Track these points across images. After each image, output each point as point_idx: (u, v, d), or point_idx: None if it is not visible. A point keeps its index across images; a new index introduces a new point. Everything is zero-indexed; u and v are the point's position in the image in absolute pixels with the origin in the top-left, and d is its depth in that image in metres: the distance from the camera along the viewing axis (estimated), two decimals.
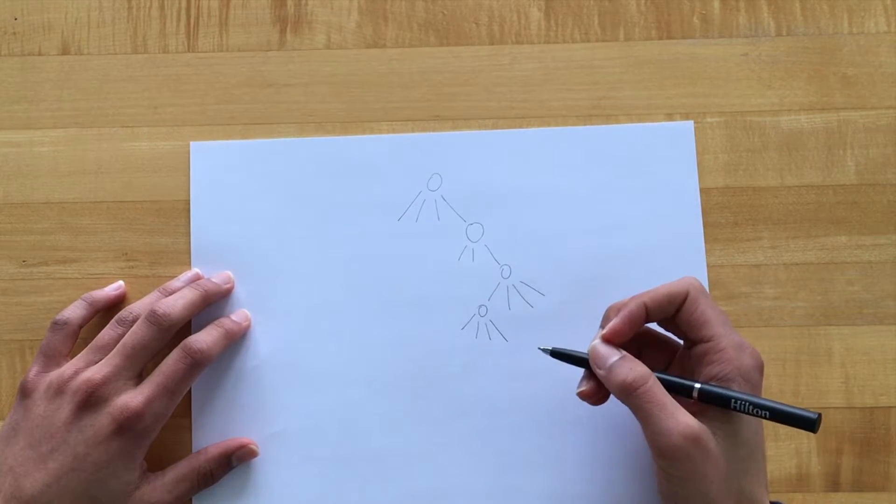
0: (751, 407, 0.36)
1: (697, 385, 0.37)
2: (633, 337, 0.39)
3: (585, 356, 0.39)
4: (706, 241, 0.45)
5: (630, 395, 0.37)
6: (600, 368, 0.38)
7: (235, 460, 0.43)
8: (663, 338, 0.42)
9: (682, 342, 0.40)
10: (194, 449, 0.44)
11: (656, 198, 0.46)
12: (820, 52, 0.47)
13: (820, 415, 0.35)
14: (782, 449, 0.44)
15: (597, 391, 0.39)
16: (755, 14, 0.48)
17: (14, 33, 0.49)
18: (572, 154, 0.46)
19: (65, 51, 0.48)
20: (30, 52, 0.48)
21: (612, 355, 0.38)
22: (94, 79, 0.48)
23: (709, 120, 0.47)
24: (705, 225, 0.46)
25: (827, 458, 0.44)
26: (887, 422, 0.44)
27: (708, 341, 0.37)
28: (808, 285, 0.45)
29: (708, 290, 0.45)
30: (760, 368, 0.37)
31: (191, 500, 0.43)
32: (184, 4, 0.48)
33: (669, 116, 0.47)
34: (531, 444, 0.44)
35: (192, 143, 0.47)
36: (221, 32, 0.48)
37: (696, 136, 0.46)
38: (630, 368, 0.37)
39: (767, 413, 0.35)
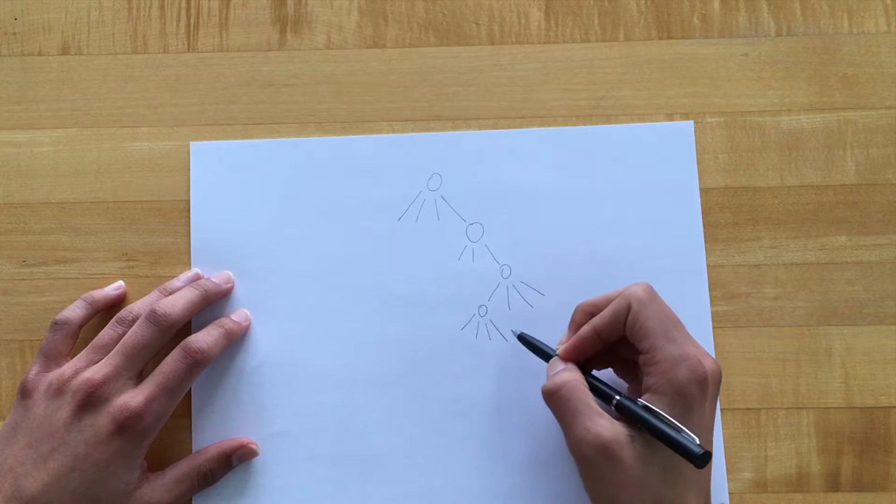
0: (647, 428, 0.36)
1: (616, 398, 0.38)
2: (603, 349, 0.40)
3: (550, 350, 0.41)
4: (706, 241, 0.45)
5: (548, 401, 0.39)
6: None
7: (235, 460, 0.43)
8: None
9: None
10: (194, 449, 0.44)
11: (656, 198, 0.46)
12: (820, 52, 0.47)
13: (707, 452, 0.35)
14: (782, 449, 0.44)
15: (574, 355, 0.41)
16: (755, 14, 0.48)
17: (14, 33, 0.49)
18: (572, 154, 0.46)
19: (65, 51, 0.48)
20: (30, 52, 0.48)
21: (555, 367, 0.40)
22: (94, 79, 0.48)
23: (709, 120, 0.47)
24: (705, 225, 0.46)
25: (827, 458, 0.44)
26: (887, 422, 0.44)
27: (647, 352, 0.38)
28: (808, 285, 0.45)
29: (707, 290, 0.45)
30: (700, 381, 0.37)
31: (191, 500, 0.43)
32: (184, 4, 0.48)
33: (669, 116, 0.47)
34: (531, 444, 0.44)
35: (192, 143, 0.47)
36: (221, 32, 0.48)
37: (696, 136, 0.46)
38: (553, 375, 0.39)
39: (658, 436, 0.36)
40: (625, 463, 0.36)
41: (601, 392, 0.39)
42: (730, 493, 0.43)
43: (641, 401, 0.37)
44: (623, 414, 0.37)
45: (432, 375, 0.44)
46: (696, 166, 0.46)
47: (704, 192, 0.46)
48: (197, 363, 0.41)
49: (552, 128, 0.47)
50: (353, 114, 0.47)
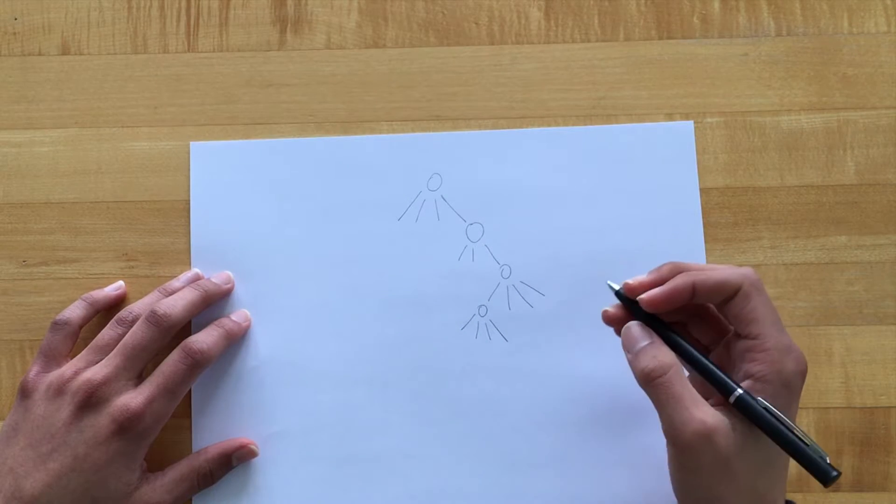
0: (780, 441, 0.35)
1: (738, 392, 0.36)
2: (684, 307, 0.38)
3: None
4: (706, 241, 0.45)
5: (648, 384, 0.37)
6: (629, 351, 0.38)
7: (235, 460, 0.43)
8: (716, 317, 0.40)
9: (731, 328, 0.39)
10: (194, 449, 0.44)
11: (656, 198, 0.46)
12: (820, 52, 0.47)
13: (839, 473, 0.34)
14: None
15: (620, 319, 0.39)
16: (755, 14, 0.48)
17: (14, 33, 0.49)
18: (572, 154, 0.46)
19: (65, 51, 0.48)
20: (30, 52, 0.48)
21: (642, 340, 0.38)
22: (94, 79, 0.48)
23: (709, 120, 0.47)
24: (705, 225, 0.46)
25: None
26: (887, 422, 0.44)
27: (754, 338, 0.36)
28: (808, 285, 0.45)
29: None
30: (803, 374, 0.36)
31: (191, 500, 0.43)
32: (184, 4, 0.48)
33: (669, 116, 0.47)
34: (531, 444, 0.44)
35: (192, 143, 0.47)
36: (221, 32, 0.48)
37: (696, 136, 0.46)
38: (653, 356, 0.37)
39: (783, 445, 0.35)
40: (727, 452, 0.35)
41: (714, 378, 0.37)
42: None
43: (762, 400, 0.35)
44: (743, 412, 0.36)
45: (432, 375, 0.44)
46: (696, 166, 0.46)
47: (704, 192, 0.46)
48: (197, 364, 0.41)
49: (552, 128, 0.47)
50: (353, 114, 0.47)
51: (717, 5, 0.48)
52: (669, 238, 0.45)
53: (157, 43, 0.48)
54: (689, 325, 0.40)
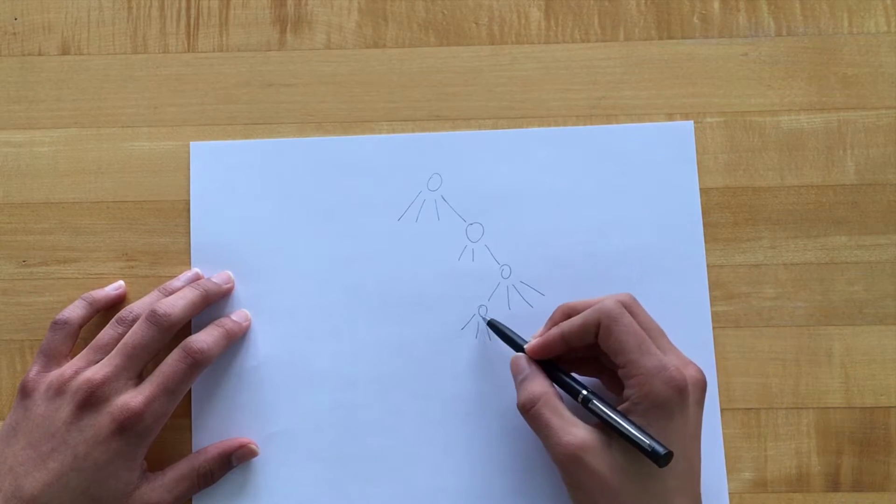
0: (609, 425, 0.38)
1: (583, 393, 0.39)
2: (575, 350, 0.41)
3: (519, 340, 0.42)
4: (706, 241, 0.45)
5: (524, 414, 0.40)
6: (514, 380, 0.41)
7: (235, 460, 0.43)
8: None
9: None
10: (194, 449, 0.44)
11: (656, 198, 0.46)
12: (820, 52, 0.47)
13: (669, 452, 0.36)
14: (782, 449, 0.44)
15: (539, 353, 0.42)
16: (755, 14, 0.48)
17: (14, 33, 0.49)
18: (572, 154, 0.46)
19: (65, 51, 0.48)
20: (30, 52, 0.48)
21: (521, 372, 0.41)
22: (94, 79, 0.48)
23: (709, 120, 0.47)
24: (705, 225, 0.46)
25: (827, 458, 0.44)
26: (887, 422, 0.44)
27: (624, 367, 0.38)
28: (808, 285, 0.45)
29: (707, 290, 0.45)
30: (679, 390, 0.37)
31: (191, 499, 0.43)
32: (184, 4, 0.49)
33: (669, 116, 0.47)
34: (531, 445, 0.44)
35: (192, 143, 0.47)
36: (221, 32, 0.48)
37: (696, 136, 0.46)
38: (525, 388, 0.40)
39: (620, 433, 0.37)
40: (600, 470, 0.37)
41: (569, 387, 0.40)
42: (730, 493, 0.43)
43: (596, 402, 0.38)
44: (589, 410, 0.38)
45: (432, 375, 0.44)
46: (696, 166, 0.46)
47: (704, 192, 0.46)
48: (197, 363, 0.41)
49: (552, 128, 0.47)
50: (353, 114, 0.47)
51: (717, 5, 0.48)
52: (669, 238, 0.45)
53: (157, 43, 0.48)
54: (577, 362, 0.42)
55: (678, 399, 0.37)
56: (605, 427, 0.38)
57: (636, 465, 0.37)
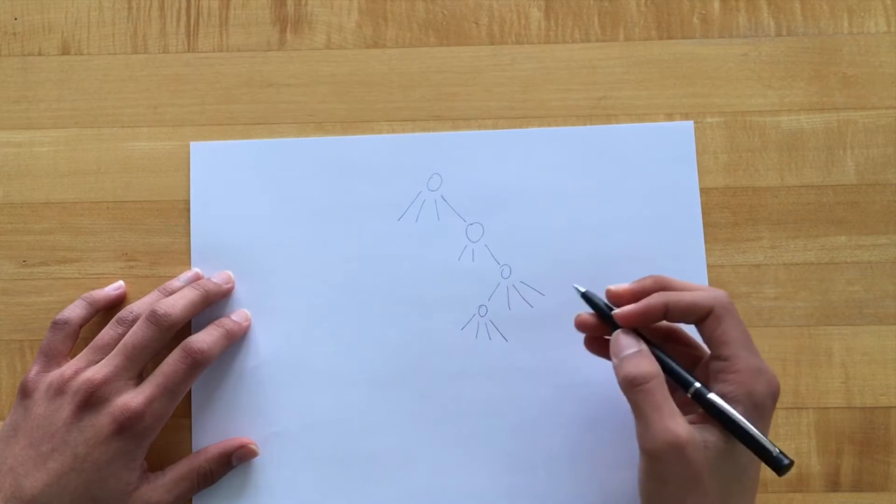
0: (729, 425, 0.36)
1: (696, 385, 0.37)
2: (661, 331, 0.40)
3: (609, 311, 0.40)
4: (706, 241, 0.45)
5: (630, 389, 0.37)
6: (615, 357, 0.38)
7: (235, 460, 0.43)
8: (691, 341, 0.41)
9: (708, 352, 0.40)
10: (194, 449, 0.44)
11: (656, 198, 0.46)
12: (820, 52, 0.47)
13: (792, 462, 0.35)
14: (782, 449, 0.44)
15: (593, 327, 0.40)
16: (755, 14, 0.48)
17: (14, 33, 0.49)
18: (572, 154, 0.46)
19: (65, 51, 0.48)
20: (30, 52, 0.48)
21: (630, 347, 0.38)
22: (94, 79, 0.48)
23: (709, 120, 0.47)
24: (705, 225, 0.46)
25: (827, 458, 0.44)
26: (887, 422, 0.44)
27: (725, 360, 0.37)
28: (808, 285, 0.45)
29: None
30: (774, 396, 0.37)
31: (191, 499, 0.43)
32: (184, 4, 0.48)
33: (669, 116, 0.47)
34: (530, 444, 0.44)
35: (192, 143, 0.47)
36: (221, 32, 0.48)
37: (696, 136, 0.46)
38: (637, 364, 0.37)
39: (740, 436, 0.36)
40: (697, 466, 0.35)
41: (680, 378, 0.38)
42: None
43: (713, 395, 0.36)
44: (702, 405, 0.37)
45: (432, 376, 0.44)
46: (696, 166, 0.46)
47: (704, 192, 0.46)
48: (197, 363, 0.41)
49: (552, 128, 0.47)
50: (353, 114, 0.47)
51: (717, 5, 0.48)
52: (669, 238, 0.45)
53: (157, 43, 0.48)
54: (665, 347, 0.40)
55: (771, 403, 0.37)
56: (711, 424, 0.37)
57: (727, 467, 0.36)
